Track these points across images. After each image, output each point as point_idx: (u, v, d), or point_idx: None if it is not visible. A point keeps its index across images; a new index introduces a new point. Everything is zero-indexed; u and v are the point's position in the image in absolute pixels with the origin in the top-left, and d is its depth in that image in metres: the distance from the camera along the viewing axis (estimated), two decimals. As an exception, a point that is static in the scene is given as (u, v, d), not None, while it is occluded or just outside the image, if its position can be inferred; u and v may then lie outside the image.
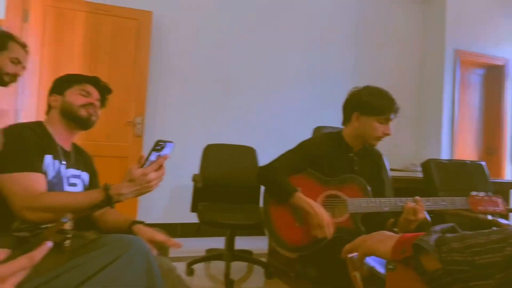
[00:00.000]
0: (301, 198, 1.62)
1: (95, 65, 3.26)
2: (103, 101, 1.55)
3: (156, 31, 3.46)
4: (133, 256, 0.74)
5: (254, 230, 3.24)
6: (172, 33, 3.58)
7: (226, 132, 3.57)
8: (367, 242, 0.82)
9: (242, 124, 3.75)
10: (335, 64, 4.09)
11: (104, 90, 1.54)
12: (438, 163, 2.56)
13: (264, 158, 2.47)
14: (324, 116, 3.58)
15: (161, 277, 0.78)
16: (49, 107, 1.49)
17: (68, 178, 1.42)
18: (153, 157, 1.15)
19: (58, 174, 1.37)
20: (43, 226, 1.20)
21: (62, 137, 1.45)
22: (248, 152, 3.09)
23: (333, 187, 1.68)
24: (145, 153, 1.16)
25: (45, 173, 1.31)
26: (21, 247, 0.67)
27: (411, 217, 1.55)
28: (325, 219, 1.57)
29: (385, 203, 1.62)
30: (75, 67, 3.20)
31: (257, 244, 3.09)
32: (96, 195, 1.17)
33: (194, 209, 2.64)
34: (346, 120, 1.77)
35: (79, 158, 1.53)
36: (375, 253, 0.80)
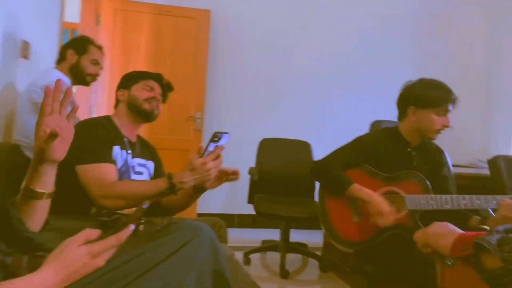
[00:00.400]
0: (358, 188, 1.61)
1: (158, 63, 3.46)
2: (164, 96, 1.65)
3: (214, 29, 3.58)
4: (202, 241, 0.83)
5: (308, 223, 3.27)
6: (229, 30, 3.69)
7: (281, 127, 3.62)
8: (428, 233, 0.82)
9: (297, 119, 3.77)
10: (394, 55, 3.93)
11: (166, 87, 1.65)
12: (508, 159, 2.41)
13: (319, 153, 2.48)
14: (382, 109, 3.48)
15: (226, 262, 0.86)
16: (117, 101, 1.62)
17: (134, 167, 1.55)
18: (211, 147, 1.24)
19: (125, 163, 1.50)
20: (118, 212, 1.34)
21: (128, 129, 1.57)
22: (303, 147, 3.11)
23: (391, 183, 1.66)
24: (203, 144, 1.25)
25: (114, 163, 1.44)
26: (107, 230, 0.78)
27: (510, 215, 1.47)
28: (384, 207, 1.55)
29: (446, 201, 1.57)
30: (140, 66, 3.41)
31: (312, 238, 3.12)
32: (161, 184, 1.28)
33: (250, 200, 2.73)
34: (402, 115, 1.73)
35: (144, 149, 1.65)
36: (434, 246, 0.80)
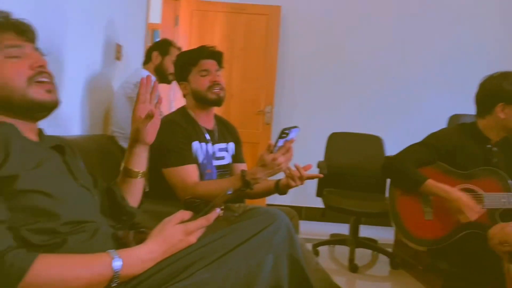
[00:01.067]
0: (434, 184, 1.57)
1: (232, 60, 3.61)
2: (220, 64, 1.65)
3: (284, 24, 3.64)
4: (279, 226, 0.91)
5: (378, 219, 3.22)
6: (299, 25, 3.72)
7: (351, 121, 3.58)
8: (507, 230, 0.82)
9: (368, 113, 3.70)
10: (475, 44, 3.66)
11: (216, 55, 1.64)
12: None
13: (392, 148, 2.43)
14: (461, 103, 3.28)
15: (300, 246, 0.93)
16: (184, 94, 1.69)
17: (214, 153, 1.65)
18: (280, 143, 1.30)
19: (206, 154, 1.61)
20: None
21: (202, 117, 1.65)
22: (374, 141, 3.06)
23: (467, 181, 1.61)
24: (273, 140, 1.32)
25: (196, 157, 1.57)
26: (197, 212, 0.90)
27: None
28: (466, 201, 1.51)
29: (532, 200, 1.48)
30: (214, 63, 3.60)
31: (382, 234, 3.07)
32: (237, 182, 1.39)
33: (319, 194, 2.76)
34: (486, 111, 1.64)
35: (223, 131, 1.73)
36: (511, 242, 0.80)
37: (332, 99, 3.74)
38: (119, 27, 2.27)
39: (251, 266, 0.85)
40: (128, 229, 0.95)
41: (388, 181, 1.81)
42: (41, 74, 0.88)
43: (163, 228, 0.83)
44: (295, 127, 1.29)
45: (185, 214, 0.86)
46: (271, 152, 1.32)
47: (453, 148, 1.66)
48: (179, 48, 2.31)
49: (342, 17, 3.71)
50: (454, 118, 2.97)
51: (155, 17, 3.66)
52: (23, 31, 0.90)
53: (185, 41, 3.59)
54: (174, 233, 0.82)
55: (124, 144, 2.02)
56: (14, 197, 0.75)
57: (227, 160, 1.70)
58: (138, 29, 2.75)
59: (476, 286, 1.49)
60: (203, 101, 1.62)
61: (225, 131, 1.74)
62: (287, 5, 3.64)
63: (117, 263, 0.74)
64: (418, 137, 1.78)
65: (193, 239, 0.84)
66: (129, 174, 1.09)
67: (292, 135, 1.30)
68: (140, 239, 0.86)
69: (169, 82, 2.32)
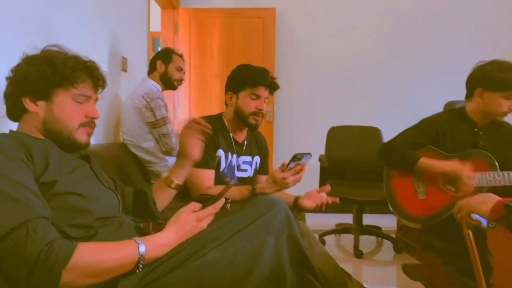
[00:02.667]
0: (428, 161, 1.70)
1: (230, 63, 3.73)
2: (271, 93, 1.73)
3: (279, 25, 3.77)
4: (278, 211, 1.04)
5: (381, 207, 3.32)
6: (294, 24, 3.84)
7: (350, 115, 3.69)
8: (471, 202, 0.95)
9: (366, 106, 3.81)
10: (470, 28, 3.72)
11: (273, 87, 1.71)
12: None
13: (390, 138, 2.53)
14: (456, 89, 3.38)
15: (298, 229, 1.07)
16: (226, 103, 1.76)
17: (239, 165, 1.76)
18: (292, 165, 1.43)
19: (229, 164, 1.72)
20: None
21: (235, 130, 1.75)
22: (373, 133, 3.18)
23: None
24: (286, 161, 1.44)
25: (218, 164, 1.67)
26: (205, 204, 1.04)
27: None
28: (459, 167, 1.63)
29: (515, 177, 1.60)
30: (215, 67, 3.75)
31: (386, 222, 3.18)
32: (246, 193, 1.51)
33: (322, 185, 2.88)
34: (469, 95, 1.77)
35: (252, 144, 1.82)
36: (477, 213, 0.93)
37: (329, 94, 3.86)
38: (123, 40, 2.41)
39: (255, 246, 0.99)
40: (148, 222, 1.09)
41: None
42: (90, 124, 1.06)
43: (178, 217, 0.98)
44: (308, 153, 1.41)
45: (196, 205, 1.01)
46: (283, 171, 1.44)
47: (443, 131, 1.79)
48: (180, 55, 2.44)
49: (336, 12, 3.82)
50: (449, 105, 3.08)
51: (155, 25, 3.81)
52: (98, 86, 1.07)
53: (185, 48, 3.74)
54: (187, 220, 0.97)
55: (135, 151, 2.17)
56: (54, 199, 0.90)
57: (249, 173, 1.80)
58: (141, 40, 2.90)
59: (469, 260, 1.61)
60: (242, 121, 1.71)
61: (254, 145, 1.83)
62: (281, 6, 3.76)
63: (142, 248, 0.89)
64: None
65: (204, 225, 0.98)
66: (168, 182, 1.27)
67: (304, 160, 1.42)
68: (158, 229, 1.00)
69: (174, 88, 2.45)
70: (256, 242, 0.99)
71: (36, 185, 0.88)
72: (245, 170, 1.79)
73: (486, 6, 3.75)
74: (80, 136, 1.04)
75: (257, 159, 1.83)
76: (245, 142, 1.79)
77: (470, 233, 1.01)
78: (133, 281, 0.88)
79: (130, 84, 2.43)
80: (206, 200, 1.36)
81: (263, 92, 1.68)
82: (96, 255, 0.84)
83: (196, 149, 1.29)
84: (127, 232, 0.98)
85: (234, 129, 1.75)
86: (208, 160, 1.63)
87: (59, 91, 1.00)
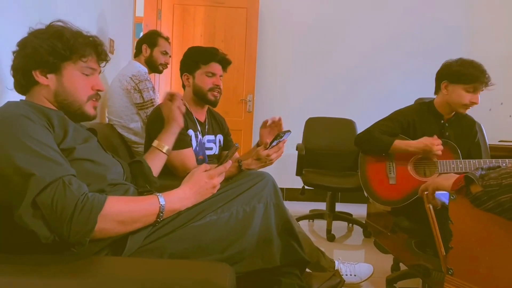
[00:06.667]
0: (402, 142, 1.87)
1: (213, 51, 3.80)
2: (225, 70, 1.83)
3: (262, 15, 3.85)
4: (267, 182, 1.17)
5: (352, 195, 3.51)
6: (276, 16, 3.94)
7: (327, 106, 3.84)
8: (436, 180, 1.09)
9: (342, 98, 3.97)
10: (441, 27, 3.93)
11: (225, 62, 1.83)
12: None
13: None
14: (426, 87, 3.58)
15: (282, 198, 1.20)
16: (183, 85, 1.85)
17: (204, 143, 1.85)
18: (274, 143, 1.56)
19: (199, 143, 1.80)
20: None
21: (196, 110, 1.84)
22: (347, 124, 3.35)
23: (424, 151, 1.89)
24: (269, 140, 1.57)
25: (191, 145, 1.73)
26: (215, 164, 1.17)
27: None
28: (429, 142, 1.81)
29: (474, 164, 1.78)
30: (197, 55, 3.79)
31: (357, 210, 3.37)
32: (233, 170, 1.60)
33: (299, 173, 3.02)
34: (437, 89, 1.95)
35: (213, 124, 1.92)
36: (441, 188, 1.07)
37: (308, 87, 4.00)
38: (110, 22, 2.44)
39: (246, 212, 1.11)
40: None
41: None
42: (97, 96, 1.13)
43: (192, 175, 1.11)
44: (288, 131, 1.54)
45: (207, 166, 1.14)
46: (266, 149, 1.56)
47: (413, 122, 1.96)
48: (166, 38, 2.48)
49: (317, 6, 3.95)
50: (419, 101, 3.27)
51: (138, 10, 3.81)
52: (102, 59, 1.14)
53: (168, 34, 3.71)
54: (201, 177, 1.09)
55: (122, 132, 2.21)
56: (73, 164, 0.96)
57: (215, 151, 1.90)
58: (127, 23, 2.91)
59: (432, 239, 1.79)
60: (202, 98, 1.79)
61: (214, 124, 1.93)
62: (264, -3, 3.85)
63: (162, 200, 1.01)
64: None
65: (216, 182, 1.10)
66: (160, 147, 1.41)
67: (285, 137, 1.55)
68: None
69: (159, 72, 2.50)
70: (248, 208, 1.11)
71: (59, 149, 0.95)
72: (211, 148, 1.87)
73: (458, 6, 3.98)
74: (89, 109, 1.11)
75: (219, 137, 1.92)
76: (206, 122, 1.87)
77: (431, 206, 1.15)
78: (139, 238, 0.97)
79: (116, 66, 2.46)
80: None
81: (217, 68, 1.78)
82: (124, 204, 0.96)
83: (178, 115, 1.46)
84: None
85: (195, 109, 1.83)
86: (184, 140, 1.69)
87: (68, 64, 1.06)
